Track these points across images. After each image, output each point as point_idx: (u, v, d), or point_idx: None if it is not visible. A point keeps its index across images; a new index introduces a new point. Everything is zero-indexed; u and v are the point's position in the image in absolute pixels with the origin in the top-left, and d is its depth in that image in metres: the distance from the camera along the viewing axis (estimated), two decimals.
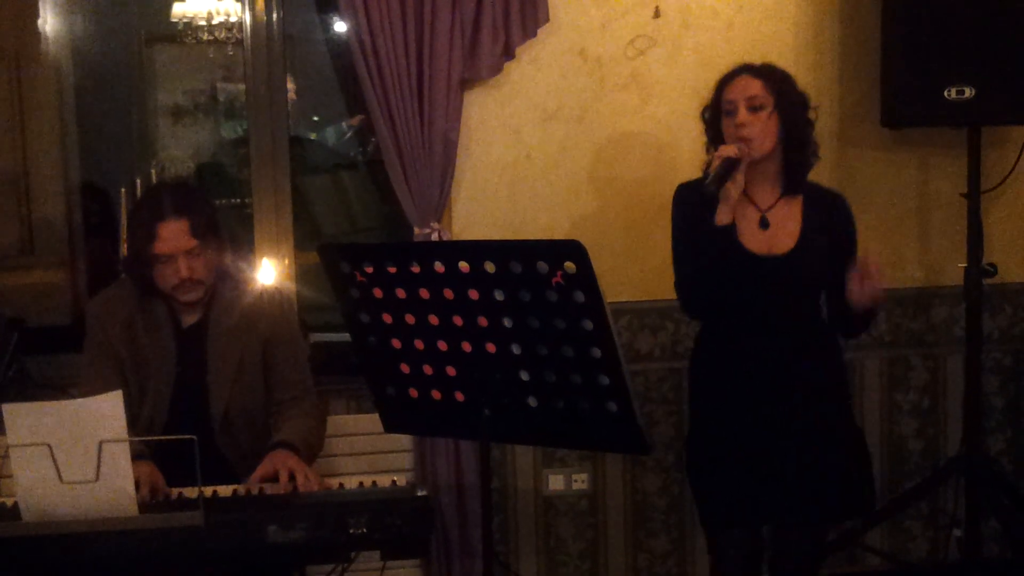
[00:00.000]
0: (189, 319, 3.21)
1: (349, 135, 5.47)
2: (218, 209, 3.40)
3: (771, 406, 3.09)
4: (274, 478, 2.94)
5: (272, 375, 3.25)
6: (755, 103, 3.04)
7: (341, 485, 2.92)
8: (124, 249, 3.99)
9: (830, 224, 3.14)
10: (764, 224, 3.11)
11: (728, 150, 2.99)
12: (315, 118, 5.49)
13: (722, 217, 3.00)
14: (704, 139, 3.21)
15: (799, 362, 3.11)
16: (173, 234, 3.05)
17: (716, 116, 3.13)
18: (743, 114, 3.04)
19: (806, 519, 3.17)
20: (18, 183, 4.73)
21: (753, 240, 3.09)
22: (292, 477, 2.92)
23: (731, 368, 3.15)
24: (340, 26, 4.67)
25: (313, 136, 5.64)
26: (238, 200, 5.05)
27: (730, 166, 2.97)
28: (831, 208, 3.17)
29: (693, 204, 3.11)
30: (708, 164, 3.09)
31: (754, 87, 3.05)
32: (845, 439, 3.19)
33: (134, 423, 3.00)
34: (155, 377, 3.15)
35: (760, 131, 3.04)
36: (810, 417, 3.10)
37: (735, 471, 3.12)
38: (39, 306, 4.57)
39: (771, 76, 3.09)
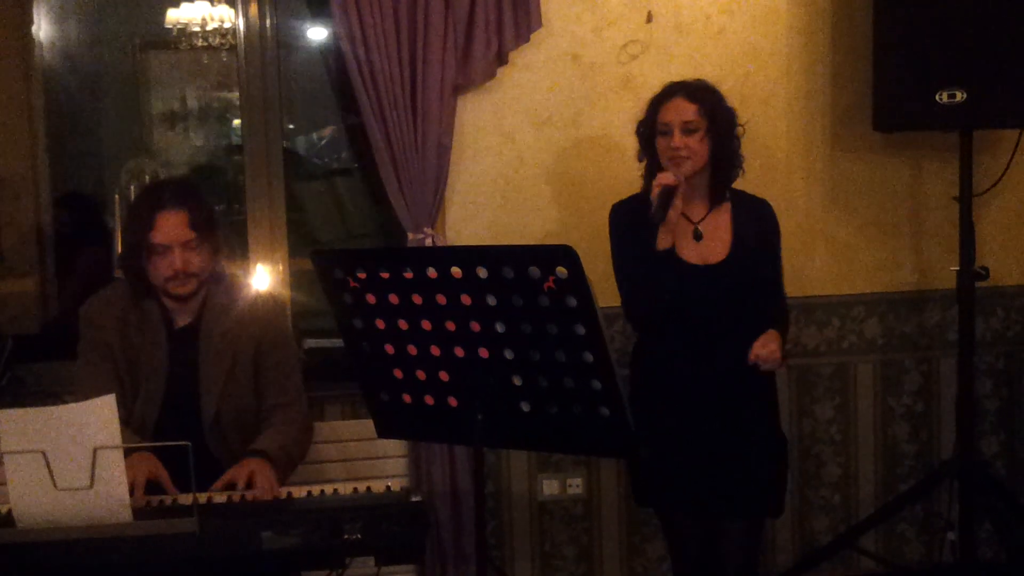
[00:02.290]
0: (182, 320, 3.21)
1: (320, 146, 5.47)
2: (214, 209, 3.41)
3: (703, 406, 3.25)
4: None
5: (262, 380, 3.26)
6: (689, 127, 3.21)
7: (336, 490, 2.92)
8: (119, 250, 3.99)
9: (759, 229, 3.31)
10: (697, 236, 3.28)
11: (666, 178, 3.14)
12: (290, 126, 5.48)
13: (663, 242, 3.17)
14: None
15: (729, 371, 3.22)
16: (171, 224, 3.07)
17: (651, 134, 3.29)
18: (678, 137, 3.20)
19: (731, 511, 3.31)
20: None
21: (689, 252, 3.26)
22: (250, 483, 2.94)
23: (668, 369, 3.31)
24: (319, 32, 4.68)
25: (285, 144, 5.64)
26: (235, 206, 5.05)
27: (669, 193, 3.12)
28: (759, 215, 3.35)
29: (630, 222, 3.28)
30: (646, 178, 3.31)
31: (689, 112, 3.21)
32: (766, 443, 3.33)
33: (127, 422, 3.01)
34: (147, 377, 3.16)
35: (694, 152, 3.20)
36: (738, 416, 3.26)
37: (668, 466, 3.27)
38: (7, 316, 4.54)
39: (704, 99, 3.24)
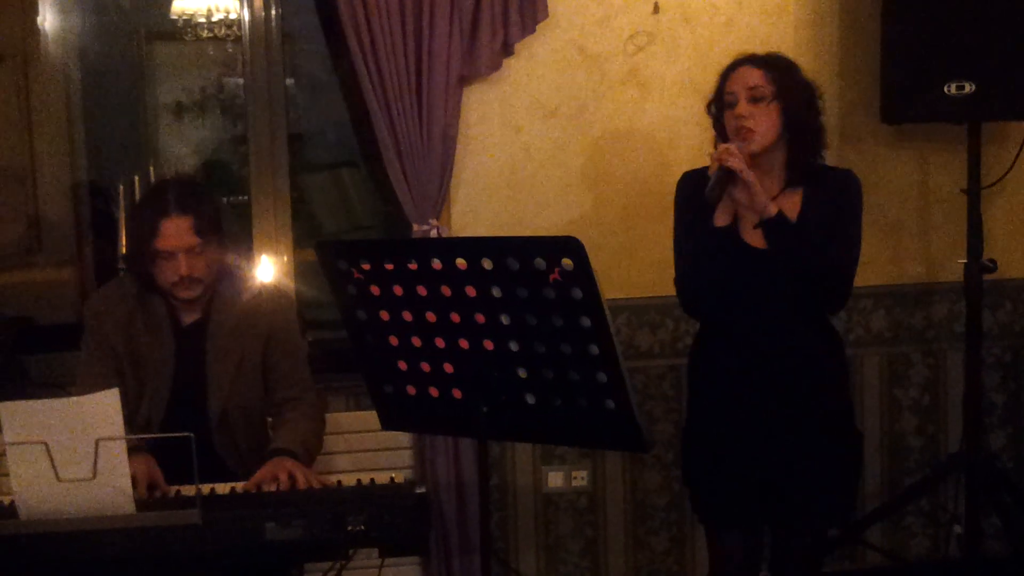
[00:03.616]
0: (189, 318, 3.20)
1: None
2: (221, 207, 3.39)
3: (770, 405, 3.06)
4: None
5: (272, 375, 3.24)
6: (756, 94, 2.98)
7: (339, 482, 2.92)
8: (123, 245, 3.99)
9: (831, 206, 3.04)
10: None
11: (726, 152, 2.91)
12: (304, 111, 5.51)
13: (721, 219, 3.00)
14: (711, 134, 3.16)
15: (799, 359, 3.06)
16: (176, 231, 3.04)
17: (719, 111, 3.09)
18: (743, 105, 2.98)
19: (798, 521, 3.14)
20: (24, 181, 4.73)
21: (753, 234, 3.02)
22: (292, 479, 2.91)
23: (730, 365, 3.10)
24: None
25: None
26: (240, 197, 5.05)
27: (729, 172, 2.90)
28: (837, 188, 3.06)
29: (693, 196, 3.06)
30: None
31: (754, 77, 3.00)
32: (841, 442, 3.15)
33: (131, 421, 2.99)
34: (153, 376, 3.14)
35: (761, 123, 2.98)
36: (809, 416, 3.06)
37: (732, 469, 3.10)
38: (45, 304, 4.57)
39: (772, 65, 3.03)
